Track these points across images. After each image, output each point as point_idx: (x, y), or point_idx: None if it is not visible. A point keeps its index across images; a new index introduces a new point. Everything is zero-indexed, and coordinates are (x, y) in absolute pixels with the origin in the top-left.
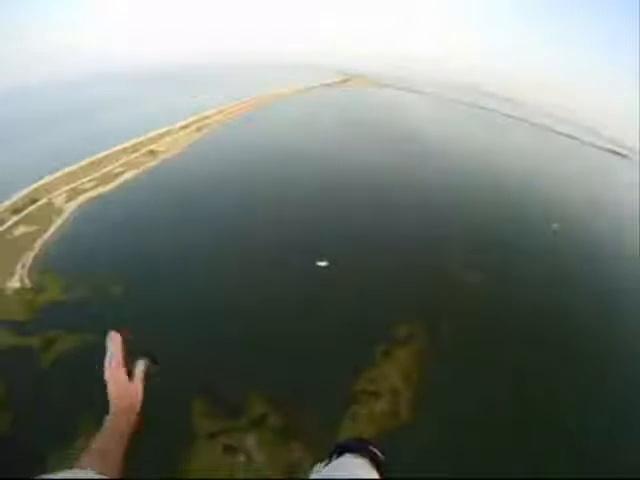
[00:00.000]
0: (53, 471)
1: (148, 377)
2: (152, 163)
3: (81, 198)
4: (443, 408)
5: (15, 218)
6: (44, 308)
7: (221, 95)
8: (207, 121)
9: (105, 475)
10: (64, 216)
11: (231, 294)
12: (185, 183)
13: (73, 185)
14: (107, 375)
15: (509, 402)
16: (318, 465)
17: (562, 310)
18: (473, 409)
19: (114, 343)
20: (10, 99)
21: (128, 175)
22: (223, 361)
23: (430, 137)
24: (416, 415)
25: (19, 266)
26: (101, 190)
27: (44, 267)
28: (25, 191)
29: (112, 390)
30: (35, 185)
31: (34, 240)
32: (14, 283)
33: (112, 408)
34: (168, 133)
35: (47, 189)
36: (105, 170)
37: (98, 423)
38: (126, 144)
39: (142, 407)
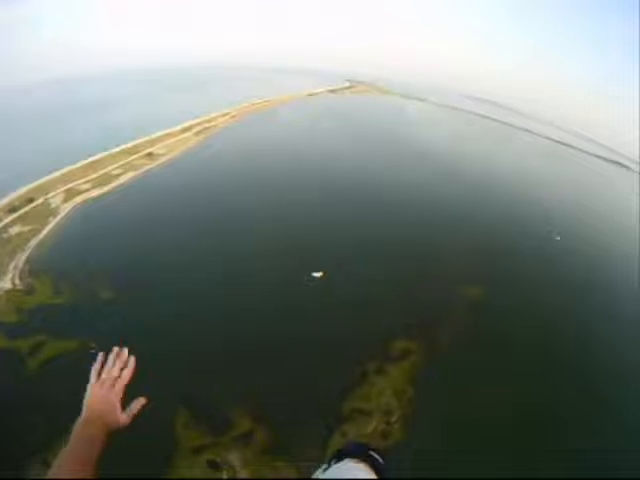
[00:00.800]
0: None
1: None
2: (150, 165)
3: (78, 199)
4: (440, 416)
5: (11, 217)
6: (33, 311)
7: (224, 98)
8: (208, 124)
9: None
10: (60, 217)
11: (223, 304)
12: (182, 187)
13: (70, 185)
14: (94, 387)
15: (511, 417)
16: (318, 469)
17: (561, 319)
18: (474, 417)
19: (125, 366)
20: (8, 98)
21: (126, 177)
22: (210, 375)
23: (433, 144)
24: (409, 433)
25: (12, 266)
26: (98, 191)
27: (36, 268)
28: (22, 190)
29: (90, 395)
30: (32, 185)
31: (28, 240)
32: (6, 284)
33: (84, 413)
34: (168, 135)
35: (44, 189)
36: (103, 171)
37: None
38: (125, 146)
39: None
